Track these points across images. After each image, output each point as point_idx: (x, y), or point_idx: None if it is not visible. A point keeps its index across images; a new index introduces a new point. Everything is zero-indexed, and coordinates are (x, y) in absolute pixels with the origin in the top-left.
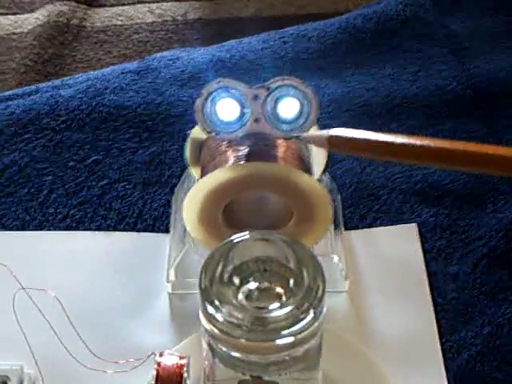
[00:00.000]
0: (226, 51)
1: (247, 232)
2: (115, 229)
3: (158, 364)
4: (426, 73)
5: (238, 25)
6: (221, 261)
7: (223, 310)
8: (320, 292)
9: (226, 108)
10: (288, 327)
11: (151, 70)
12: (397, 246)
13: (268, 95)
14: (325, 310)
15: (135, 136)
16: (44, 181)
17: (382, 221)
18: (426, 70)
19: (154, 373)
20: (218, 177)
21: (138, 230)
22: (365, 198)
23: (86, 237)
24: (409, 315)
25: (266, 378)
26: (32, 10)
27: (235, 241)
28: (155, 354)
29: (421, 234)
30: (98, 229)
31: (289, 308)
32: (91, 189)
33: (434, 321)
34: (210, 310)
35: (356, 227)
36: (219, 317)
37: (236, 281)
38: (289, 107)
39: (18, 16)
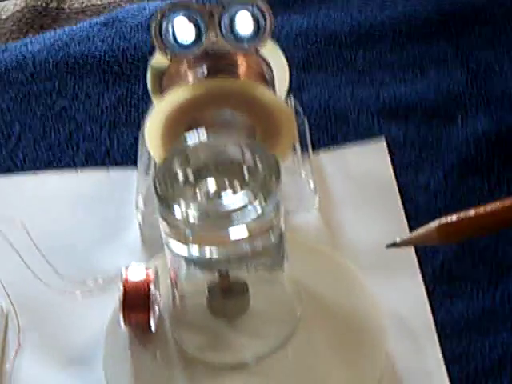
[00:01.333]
0: None
1: (203, 131)
2: (84, 168)
3: (125, 278)
4: (393, 3)
5: None
6: (175, 160)
7: (176, 206)
8: (273, 183)
9: (182, 27)
10: (237, 214)
11: (118, 21)
12: (366, 162)
13: (223, 13)
14: (281, 208)
15: (102, 81)
16: (13, 131)
17: (350, 141)
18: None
19: (121, 287)
20: (177, 97)
21: (107, 167)
22: (333, 120)
23: (54, 176)
24: (381, 226)
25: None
26: None
27: (190, 143)
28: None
29: (390, 150)
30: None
31: (240, 196)
32: (59, 133)
33: (407, 228)
34: (163, 210)
35: (325, 148)
36: (175, 212)
37: (191, 179)
38: (244, 22)
39: None
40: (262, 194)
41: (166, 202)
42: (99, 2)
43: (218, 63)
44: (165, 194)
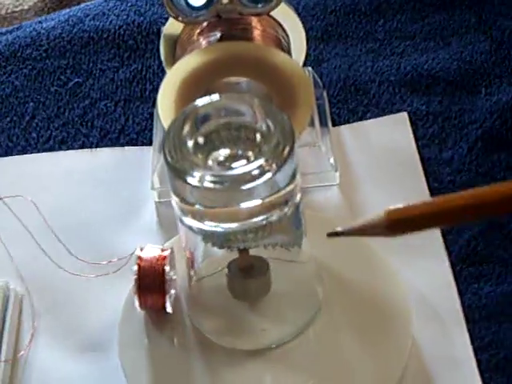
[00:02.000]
0: None
1: (215, 95)
2: (98, 146)
3: (139, 258)
4: None
5: None
6: (186, 125)
7: (190, 178)
8: (287, 150)
9: None
10: (250, 179)
11: None
12: (388, 136)
13: None
14: (298, 178)
15: (116, 56)
16: (26, 108)
17: (372, 114)
18: None
19: (135, 267)
20: (190, 62)
21: (122, 145)
22: (353, 93)
23: (69, 156)
24: (404, 202)
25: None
26: None
27: (201, 104)
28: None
29: (412, 123)
30: (81, 148)
31: (253, 164)
32: (73, 110)
33: None
34: (178, 182)
35: (345, 122)
36: (191, 180)
37: (205, 148)
38: None
39: None
40: (274, 161)
41: (176, 171)
42: None
43: (232, 28)
44: (175, 163)
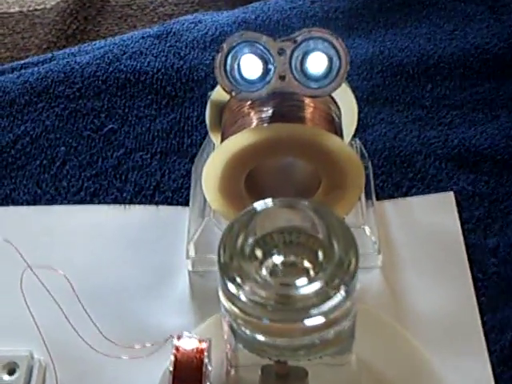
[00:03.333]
0: (251, 12)
1: (270, 199)
2: (132, 202)
3: (176, 349)
4: (462, 31)
5: None
6: (241, 232)
7: (245, 287)
8: (352, 266)
9: (249, 64)
10: (317, 306)
11: (172, 34)
12: (433, 217)
13: (295, 49)
14: (358, 286)
15: (154, 103)
16: (57, 152)
17: (416, 189)
18: (463, 28)
19: (172, 358)
20: (239, 141)
21: (156, 203)
22: (398, 164)
23: (101, 211)
24: (447, 292)
25: (293, 363)
26: None
27: (257, 209)
28: (173, 338)
29: (458, 203)
30: (114, 202)
31: (318, 284)
32: (106, 160)
33: (474, 298)
34: (231, 287)
35: (389, 197)
36: (241, 295)
37: (259, 254)
38: (317, 62)
39: None
40: (338, 280)
41: (233, 282)
42: None
43: (284, 104)
44: (232, 273)
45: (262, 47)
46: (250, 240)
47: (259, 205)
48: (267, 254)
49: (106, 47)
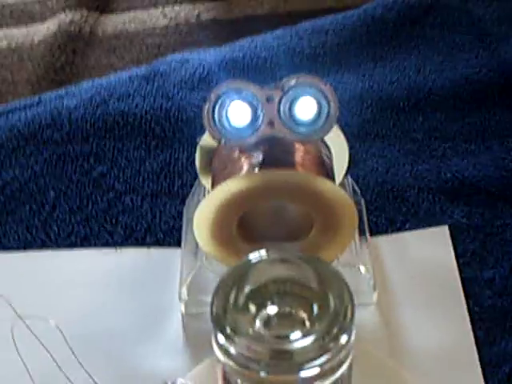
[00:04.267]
0: (239, 50)
1: (263, 251)
2: (123, 245)
3: None
4: (451, 62)
5: (254, 23)
6: (234, 285)
7: (238, 341)
8: (349, 315)
9: (237, 112)
10: (314, 359)
11: (160, 75)
12: (428, 251)
13: (283, 96)
14: (354, 333)
15: (143, 144)
16: (46, 197)
17: (410, 224)
18: (452, 59)
19: None
20: (230, 188)
21: (148, 245)
22: (391, 199)
23: (92, 255)
24: (443, 327)
25: None
26: (43, 20)
27: (250, 262)
28: None
29: (453, 237)
30: (105, 246)
31: (313, 337)
32: (96, 203)
33: (471, 332)
34: (224, 341)
35: (383, 232)
36: (234, 349)
37: (252, 307)
38: (306, 108)
39: (28, 26)
40: (339, 331)
41: (226, 336)
42: (133, 29)
43: (273, 149)
44: (225, 326)
45: (249, 95)
46: (244, 292)
47: (254, 257)
48: (261, 306)
49: (94, 89)
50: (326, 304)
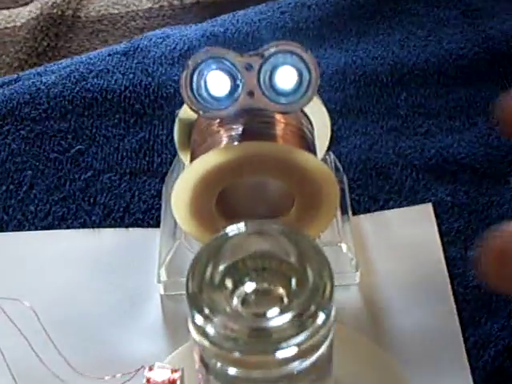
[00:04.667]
0: (220, 25)
1: (240, 224)
2: (101, 225)
3: (147, 380)
4: (436, 37)
5: (238, 6)
6: (210, 261)
7: (215, 320)
8: (328, 292)
9: (216, 81)
10: (292, 337)
11: (140, 50)
12: (411, 230)
13: (263, 64)
14: (334, 311)
15: (122, 122)
16: (24, 176)
17: (394, 202)
18: (437, 34)
19: None
20: (209, 161)
21: (127, 226)
22: (374, 177)
23: (69, 235)
24: (427, 308)
25: None
26: (25, 4)
27: (228, 235)
28: (144, 368)
29: (437, 215)
30: (83, 226)
31: (291, 314)
32: (74, 182)
33: (456, 313)
34: (200, 320)
35: (366, 210)
36: (210, 328)
37: (229, 283)
38: (287, 76)
39: (11, 10)
40: (314, 308)
41: (202, 314)
42: (116, 12)
43: (254, 121)
44: (201, 305)
45: (228, 63)
46: (220, 268)
47: (231, 230)
48: (238, 282)
49: (72, 66)
50: (305, 280)
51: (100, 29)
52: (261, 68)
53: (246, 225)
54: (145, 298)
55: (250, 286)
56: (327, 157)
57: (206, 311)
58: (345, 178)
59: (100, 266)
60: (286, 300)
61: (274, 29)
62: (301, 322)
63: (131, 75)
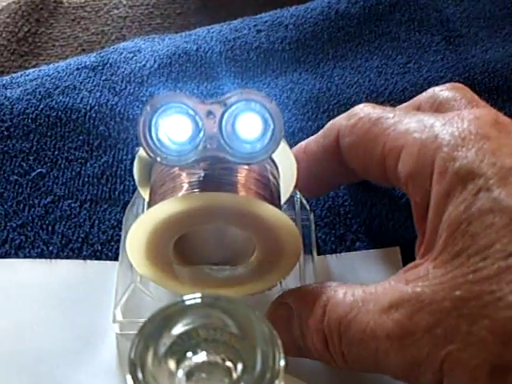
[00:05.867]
0: (193, 42)
1: (196, 294)
2: (58, 256)
3: None
4: (416, 64)
5: None
6: (160, 329)
7: None
8: (277, 379)
9: (176, 127)
10: None
11: (109, 66)
12: (377, 273)
13: (224, 112)
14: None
15: (85, 144)
16: None
17: (361, 243)
18: (417, 60)
19: None
20: (167, 208)
21: (84, 258)
22: (342, 215)
23: (26, 265)
24: None
25: None
26: None
27: (174, 309)
28: None
29: (404, 258)
30: (40, 256)
31: None
32: (33, 208)
33: None
34: None
35: (331, 251)
36: None
37: (176, 354)
38: (250, 125)
39: None
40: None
41: None
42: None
43: (215, 167)
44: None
45: (189, 109)
46: (171, 336)
47: (187, 299)
48: (187, 353)
49: (39, 80)
50: (252, 365)
51: (82, 16)
52: (222, 116)
53: (201, 296)
54: (100, 337)
55: (200, 357)
56: (293, 195)
57: None
58: (312, 216)
59: (55, 300)
60: (234, 375)
61: (248, 49)
62: None
63: (98, 93)
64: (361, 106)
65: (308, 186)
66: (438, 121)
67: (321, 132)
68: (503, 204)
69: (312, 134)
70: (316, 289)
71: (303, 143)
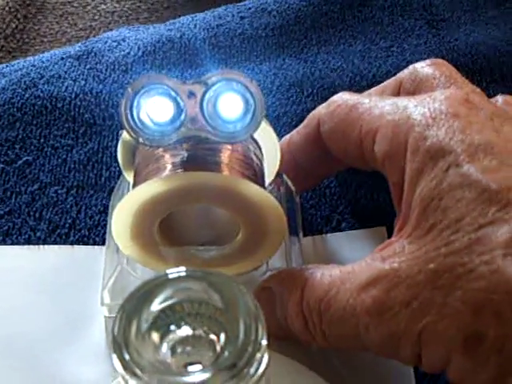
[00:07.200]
0: (177, 30)
1: (181, 268)
2: (46, 242)
3: None
4: (399, 48)
5: None
6: (143, 303)
7: (138, 372)
8: (259, 352)
9: (157, 109)
10: None
11: (93, 55)
12: (363, 254)
13: (206, 92)
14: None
15: (71, 131)
16: None
17: (347, 223)
18: (400, 44)
19: None
20: (150, 189)
21: (72, 243)
22: (328, 197)
23: (14, 252)
24: None
25: None
26: None
27: (165, 277)
28: None
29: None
30: (27, 242)
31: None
32: (20, 195)
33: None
34: (121, 370)
35: (317, 232)
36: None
37: (160, 329)
38: (231, 104)
39: None
40: (245, 365)
41: (125, 365)
42: None
43: (198, 147)
44: (124, 353)
45: (170, 90)
46: (154, 310)
47: (171, 272)
48: (171, 327)
49: (24, 70)
50: (235, 336)
51: (70, 11)
52: (204, 96)
53: (186, 269)
54: (89, 320)
55: (184, 331)
56: (279, 178)
57: (129, 363)
58: (298, 199)
59: (43, 285)
60: (218, 348)
61: (231, 36)
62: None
63: (83, 81)
64: (339, 94)
65: (296, 178)
66: (410, 102)
67: (303, 123)
68: (472, 178)
69: (296, 118)
70: (295, 272)
71: (287, 136)
